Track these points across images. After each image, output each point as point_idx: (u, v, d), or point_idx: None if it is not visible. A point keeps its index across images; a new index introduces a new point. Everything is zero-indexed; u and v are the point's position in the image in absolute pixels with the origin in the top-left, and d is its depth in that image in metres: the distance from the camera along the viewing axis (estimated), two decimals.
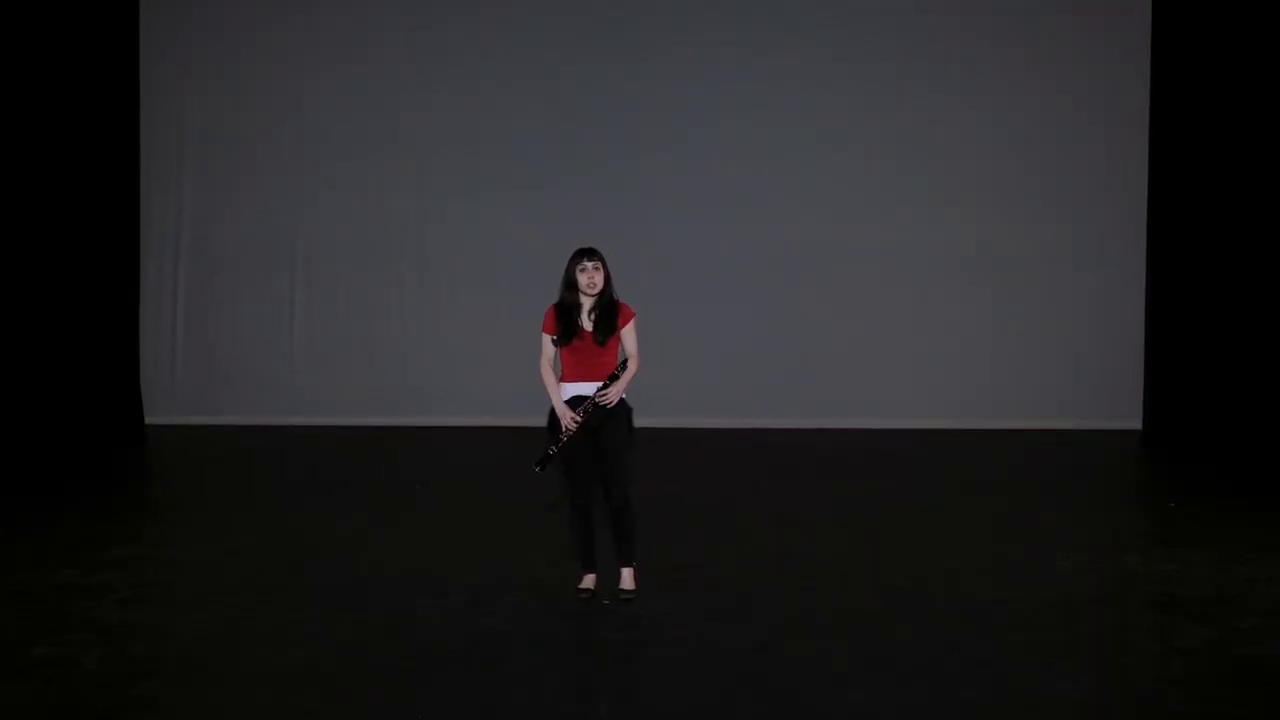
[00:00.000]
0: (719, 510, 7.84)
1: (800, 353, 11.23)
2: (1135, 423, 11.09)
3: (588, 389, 5.56)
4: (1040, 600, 5.77)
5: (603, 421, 5.55)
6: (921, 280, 11.28)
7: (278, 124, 11.33)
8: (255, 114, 11.32)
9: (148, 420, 10.82)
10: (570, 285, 5.63)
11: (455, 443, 10.54)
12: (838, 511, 7.87)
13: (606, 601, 5.68)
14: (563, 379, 5.66)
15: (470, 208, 11.31)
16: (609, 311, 5.63)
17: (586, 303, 5.63)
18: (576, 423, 5.49)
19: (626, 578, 5.75)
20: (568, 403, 5.57)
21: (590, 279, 5.58)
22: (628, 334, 5.66)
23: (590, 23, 11.32)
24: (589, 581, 5.79)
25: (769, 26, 11.27)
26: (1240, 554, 6.62)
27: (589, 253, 5.65)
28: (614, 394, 5.53)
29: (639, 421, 5.74)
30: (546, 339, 5.68)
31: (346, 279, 11.39)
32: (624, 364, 5.61)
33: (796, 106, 11.26)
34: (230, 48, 11.33)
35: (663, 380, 11.14)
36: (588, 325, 5.61)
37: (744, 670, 4.81)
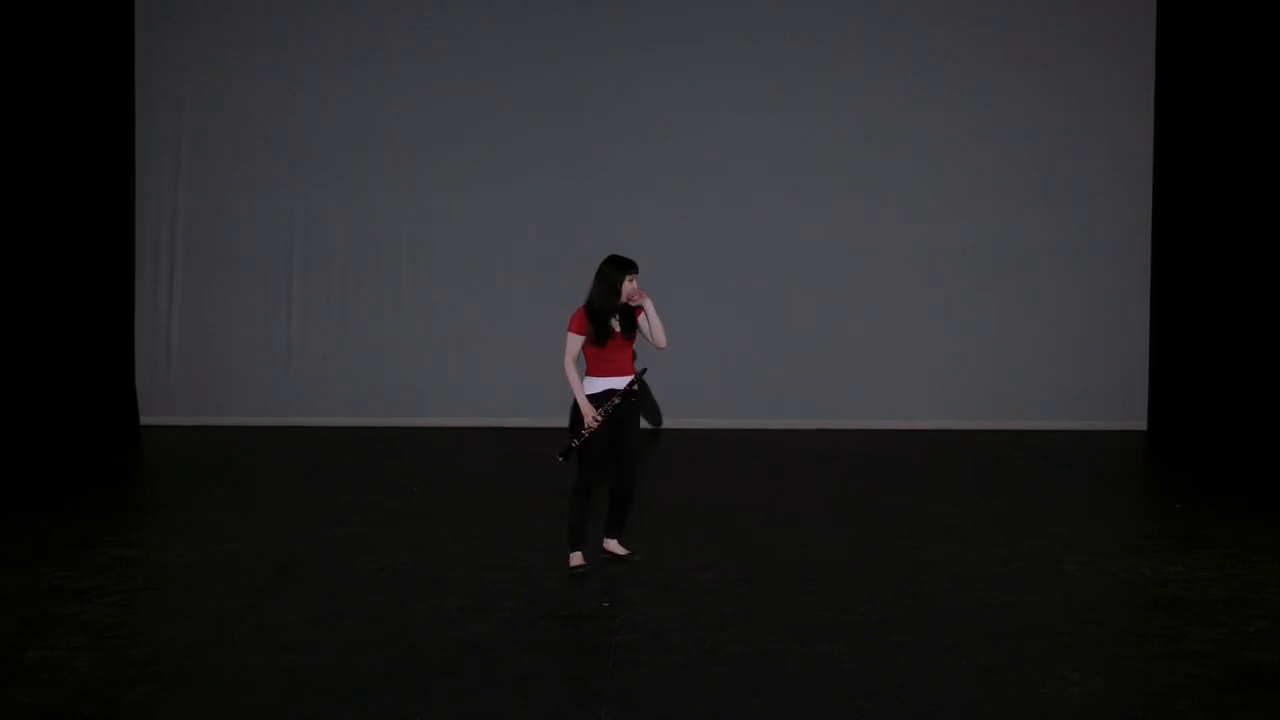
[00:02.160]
0: (719, 511, 7.78)
1: (801, 353, 11.18)
2: (1140, 424, 11.05)
3: (617, 383, 6.12)
4: (1047, 602, 5.72)
5: (627, 413, 6.15)
6: (925, 280, 11.24)
7: (273, 123, 11.27)
8: (250, 112, 11.26)
9: (143, 421, 10.77)
10: (613, 292, 6.11)
11: (453, 443, 10.48)
12: (840, 513, 7.81)
13: (606, 604, 5.62)
14: (590, 374, 6.18)
15: (467, 207, 11.26)
16: (629, 311, 6.20)
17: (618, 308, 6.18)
18: (598, 420, 5.99)
19: (617, 545, 6.43)
20: (599, 396, 6.09)
21: (631, 289, 6.12)
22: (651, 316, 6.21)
23: (588, 21, 11.27)
24: (579, 559, 6.21)
25: (769, 25, 11.22)
26: (1248, 557, 6.57)
27: (634, 266, 6.18)
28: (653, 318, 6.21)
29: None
30: (576, 339, 6.15)
31: (342, 278, 11.34)
32: (643, 371, 6.27)
33: (798, 104, 11.21)
34: (225, 46, 11.27)
35: (663, 380, 11.16)
36: (616, 326, 6.18)
37: (745, 674, 4.75)
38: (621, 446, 6.18)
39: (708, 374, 11.13)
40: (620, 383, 6.15)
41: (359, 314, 11.34)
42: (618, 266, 6.15)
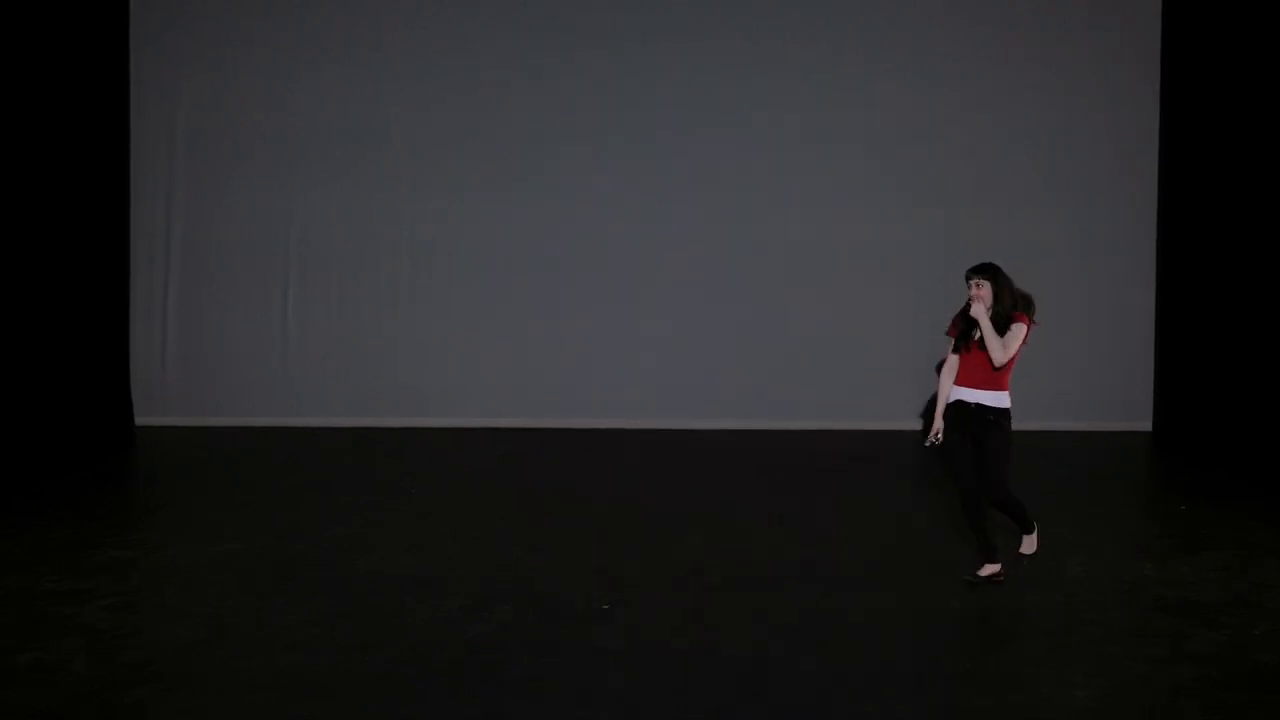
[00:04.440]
0: (719, 512, 7.75)
1: (801, 353, 11.15)
2: (1145, 424, 11.02)
3: (968, 395, 5.93)
4: (1050, 604, 5.68)
5: (983, 429, 5.89)
6: (928, 280, 11.19)
7: (270, 123, 11.24)
8: (247, 113, 11.23)
9: (138, 421, 10.72)
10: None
11: (452, 444, 10.45)
12: (843, 514, 7.78)
13: (606, 606, 5.58)
14: (955, 382, 6.03)
15: (467, 207, 11.23)
16: (1003, 325, 5.88)
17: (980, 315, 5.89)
18: (935, 441, 6.04)
19: (1026, 544, 6.39)
20: (953, 405, 5.97)
21: (973, 294, 5.89)
22: (1010, 334, 5.87)
23: (586, 21, 11.24)
24: (985, 570, 6.03)
25: (770, 25, 11.19)
26: (1254, 558, 6.55)
27: (975, 269, 5.94)
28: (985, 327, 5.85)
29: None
30: (951, 342, 6.06)
31: (339, 278, 11.31)
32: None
33: (798, 105, 11.19)
34: (222, 45, 11.24)
35: (663, 381, 11.15)
36: (975, 335, 5.93)
37: (745, 676, 4.71)
38: (980, 464, 5.94)
39: (708, 374, 11.10)
40: (967, 395, 5.94)
41: (357, 314, 11.30)
42: (967, 271, 5.99)
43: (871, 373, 11.16)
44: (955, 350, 6.01)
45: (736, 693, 4.54)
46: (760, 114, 11.17)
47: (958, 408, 5.97)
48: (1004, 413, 5.92)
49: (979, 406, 5.90)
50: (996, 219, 11.14)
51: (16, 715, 4.26)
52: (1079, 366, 11.13)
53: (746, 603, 5.70)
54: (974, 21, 11.19)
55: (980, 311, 5.84)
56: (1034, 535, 6.41)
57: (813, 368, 11.14)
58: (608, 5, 11.25)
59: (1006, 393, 5.95)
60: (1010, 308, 5.89)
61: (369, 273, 11.30)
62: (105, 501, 8.21)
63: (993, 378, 5.89)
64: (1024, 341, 5.89)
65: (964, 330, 5.97)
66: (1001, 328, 5.86)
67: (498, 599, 5.68)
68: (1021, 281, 11.03)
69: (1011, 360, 5.89)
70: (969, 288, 5.92)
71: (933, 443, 6.06)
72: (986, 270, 5.92)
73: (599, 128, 11.21)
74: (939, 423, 6.04)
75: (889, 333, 11.16)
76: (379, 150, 11.25)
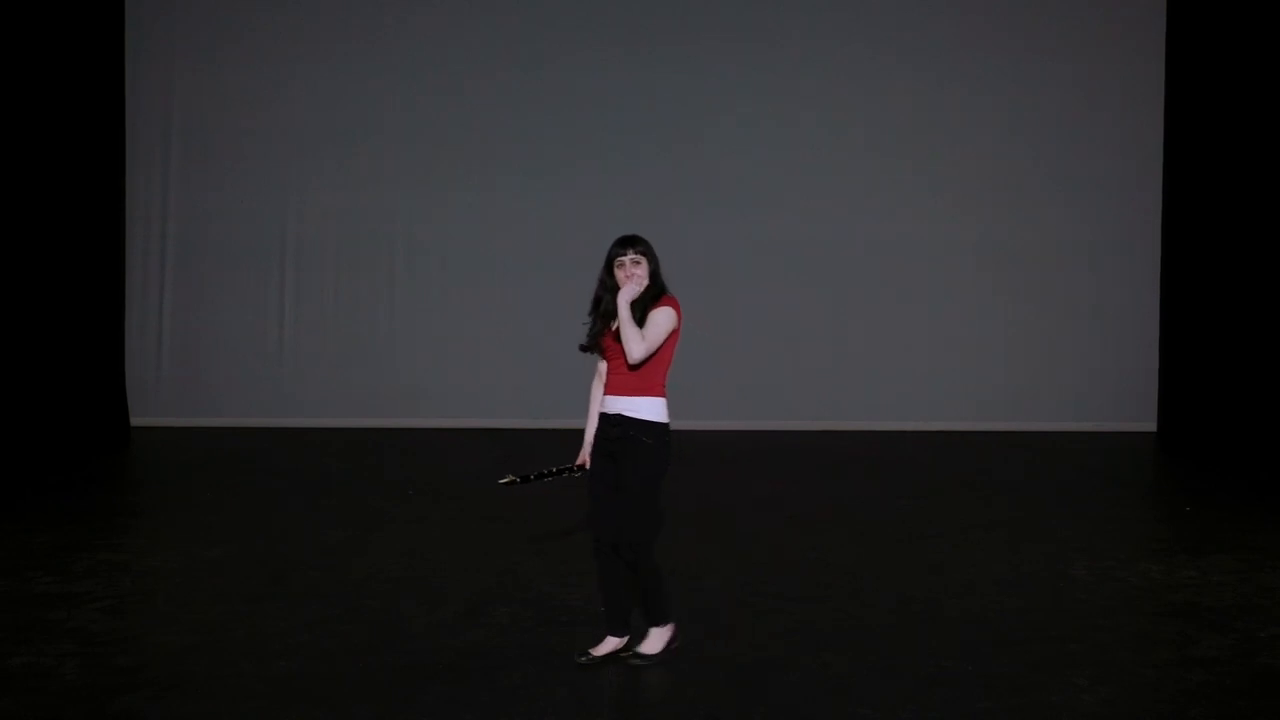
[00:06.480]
0: (721, 514, 7.70)
1: (810, 353, 11.11)
2: (1150, 425, 10.98)
3: (609, 404, 4.65)
4: (1057, 608, 5.63)
5: (623, 449, 4.59)
6: (933, 280, 11.18)
7: (265, 120, 11.21)
8: (242, 110, 11.21)
9: (133, 422, 10.68)
10: (608, 278, 4.68)
11: (449, 445, 10.40)
12: (846, 516, 7.73)
13: (604, 609, 5.51)
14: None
15: (463, 205, 11.19)
16: (647, 310, 4.61)
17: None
18: (566, 469, 4.74)
19: (652, 639, 4.75)
20: (600, 420, 4.70)
21: (627, 273, 4.62)
22: (653, 322, 4.58)
23: (584, 17, 11.21)
24: (604, 646, 4.73)
25: (774, 24, 11.15)
26: (1260, 561, 6.49)
27: (630, 240, 4.67)
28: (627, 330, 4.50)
29: None
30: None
31: (336, 277, 11.27)
32: (555, 471, 4.72)
33: (804, 103, 11.16)
34: (217, 43, 11.22)
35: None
36: (614, 326, 4.63)
37: (747, 681, 4.65)
38: (618, 503, 4.61)
39: (710, 374, 11.05)
40: (609, 404, 4.64)
41: (354, 314, 11.27)
42: (614, 243, 4.65)
43: (873, 372, 11.11)
44: (585, 348, 4.71)
45: (736, 693, 4.48)
46: (762, 113, 11.13)
47: (601, 423, 4.66)
48: (652, 428, 4.58)
49: (619, 418, 4.59)
50: (1000, 218, 11.12)
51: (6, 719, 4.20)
52: (1084, 366, 11.11)
53: (747, 603, 5.64)
54: (978, 20, 11.15)
55: (627, 296, 4.51)
56: (667, 630, 4.73)
57: (817, 367, 11.09)
58: (608, 5, 11.20)
59: (659, 400, 4.63)
60: (660, 290, 4.64)
61: (367, 272, 11.26)
62: (99, 503, 8.16)
63: (637, 381, 4.58)
64: (677, 331, 4.64)
65: (600, 322, 4.65)
66: (644, 314, 4.57)
67: (495, 603, 5.62)
68: (1027, 280, 11.15)
69: (663, 358, 4.63)
70: (620, 265, 4.62)
71: (579, 470, 4.74)
72: (644, 243, 4.66)
73: (599, 128, 11.15)
74: (587, 446, 4.74)
75: (890, 331, 11.12)
76: (377, 149, 11.21)
